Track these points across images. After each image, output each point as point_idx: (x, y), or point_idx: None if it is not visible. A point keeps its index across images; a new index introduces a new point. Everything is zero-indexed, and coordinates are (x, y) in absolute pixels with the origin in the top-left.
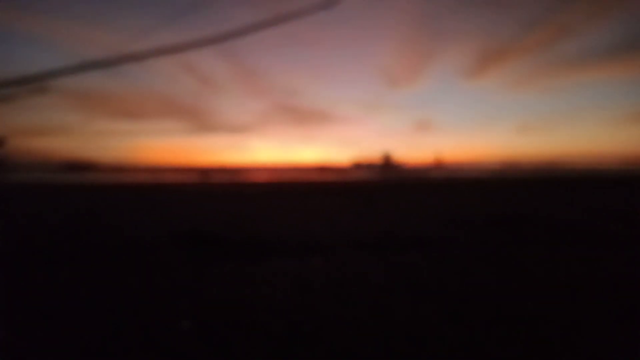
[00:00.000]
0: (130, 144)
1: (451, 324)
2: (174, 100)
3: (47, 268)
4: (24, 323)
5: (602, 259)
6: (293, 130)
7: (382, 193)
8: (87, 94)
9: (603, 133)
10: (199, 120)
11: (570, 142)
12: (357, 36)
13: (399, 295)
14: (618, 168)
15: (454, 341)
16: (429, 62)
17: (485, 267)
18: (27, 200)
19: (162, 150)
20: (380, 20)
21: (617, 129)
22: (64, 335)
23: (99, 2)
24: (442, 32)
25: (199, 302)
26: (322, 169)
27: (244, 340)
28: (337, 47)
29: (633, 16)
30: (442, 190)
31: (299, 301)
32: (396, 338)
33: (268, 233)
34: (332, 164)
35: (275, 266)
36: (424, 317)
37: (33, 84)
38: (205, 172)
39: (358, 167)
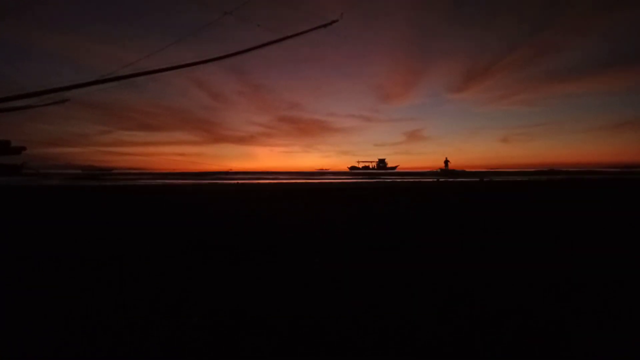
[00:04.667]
0: (145, 153)
1: (439, 319)
2: (185, 113)
3: (64, 271)
4: (37, 323)
5: (585, 256)
6: (295, 140)
7: (376, 194)
8: (104, 106)
9: (581, 143)
10: (209, 131)
11: (551, 151)
12: (353, 55)
13: (392, 293)
14: (596, 174)
15: (442, 334)
16: (418, 78)
17: (472, 267)
18: (44, 204)
19: (175, 158)
20: (375, 41)
21: (594, 139)
22: (78, 333)
23: (115, 21)
24: (431, 51)
25: (209, 300)
26: (322, 173)
27: (249, 334)
28: (336, 65)
29: (612, 32)
30: (435, 193)
31: (300, 298)
32: (389, 331)
33: (271, 235)
34: (331, 168)
35: (278, 266)
36: (415, 313)
37: (52, 95)
38: (215, 177)
39: (354, 170)
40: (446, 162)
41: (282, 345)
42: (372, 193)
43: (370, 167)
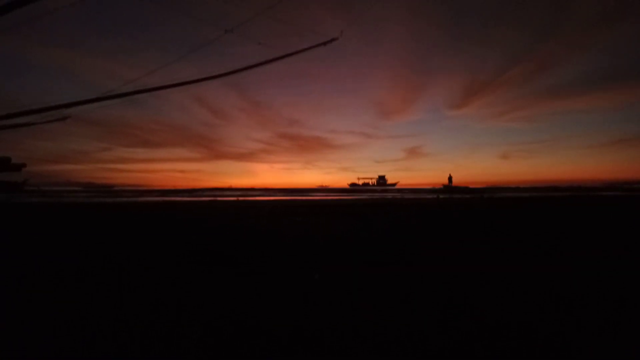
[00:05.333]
0: (145, 169)
1: (440, 331)
2: (185, 129)
3: (65, 278)
4: (38, 328)
5: (585, 268)
6: (295, 156)
7: (376, 211)
8: (104, 123)
9: (583, 159)
10: (209, 148)
11: (552, 168)
12: (353, 71)
13: (392, 306)
14: (595, 190)
15: (442, 345)
16: (418, 94)
17: (471, 280)
18: (46, 218)
19: (175, 175)
20: (374, 57)
21: (596, 155)
22: (78, 339)
23: (116, 38)
24: (431, 66)
25: (210, 312)
26: (322, 190)
27: (250, 345)
28: (336, 81)
29: (614, 47)
30: (433, 208)
31: (300, 310)
32: (389, 341)
33: (272, 250)
34: (331, 185)
35: (279, 279)
36: (415, 325)
37: (53, 112)
38: (215, 193)
39: (355, 186)
40: (450, 178)
41: (283, 352)
42: (372, 209)
43: (371, 183)
